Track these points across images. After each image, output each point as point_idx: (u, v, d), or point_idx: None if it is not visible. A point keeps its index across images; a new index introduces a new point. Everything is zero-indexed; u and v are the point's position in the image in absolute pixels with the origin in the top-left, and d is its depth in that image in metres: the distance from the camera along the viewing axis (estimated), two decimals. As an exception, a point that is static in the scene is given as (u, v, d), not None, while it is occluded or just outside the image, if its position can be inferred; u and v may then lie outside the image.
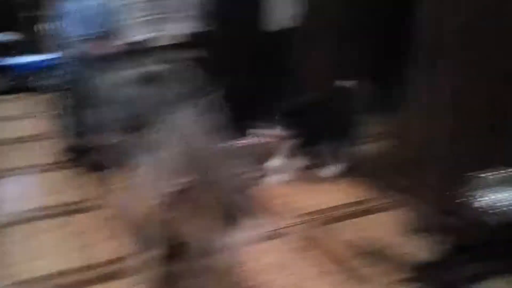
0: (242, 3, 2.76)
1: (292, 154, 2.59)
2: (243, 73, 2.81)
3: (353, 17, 3.08)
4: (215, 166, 1.58)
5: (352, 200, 2.48)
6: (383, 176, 2.56)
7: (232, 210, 1.53)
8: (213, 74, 2.91)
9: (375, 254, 1.98)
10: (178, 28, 3.14)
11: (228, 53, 2.79)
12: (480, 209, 1.75)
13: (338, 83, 2.68)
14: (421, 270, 1.84)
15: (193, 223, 1.55)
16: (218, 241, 1.56)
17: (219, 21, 2.82)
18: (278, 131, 2.53)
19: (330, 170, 2.67)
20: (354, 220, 2.30)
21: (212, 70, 2.94)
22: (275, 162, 2.53)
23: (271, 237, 2.14)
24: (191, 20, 3.10)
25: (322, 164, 2.71)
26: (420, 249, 2.00)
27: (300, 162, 2.66)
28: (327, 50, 3.10)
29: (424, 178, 2.26)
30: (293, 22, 2.93)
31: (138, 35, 2.95)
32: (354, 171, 2.67)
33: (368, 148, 2.80)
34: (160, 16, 3.06)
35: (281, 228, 2.23)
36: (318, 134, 2.62)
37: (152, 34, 3.11)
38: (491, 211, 1.75)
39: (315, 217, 2.34)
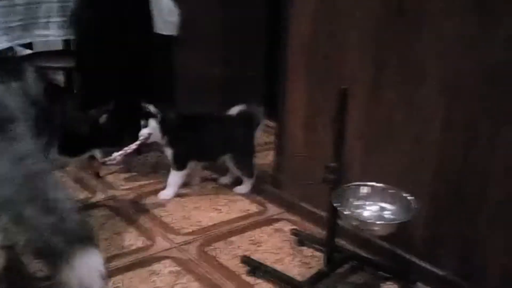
0: (118, 9, 2.58)
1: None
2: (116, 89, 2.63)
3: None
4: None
5: (245, 213, 2.47)
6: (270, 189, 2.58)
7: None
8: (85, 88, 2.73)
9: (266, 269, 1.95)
10: (46, 35, 2.90)
11: (100, 65, 2.61)
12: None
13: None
14: (311, 283, 1.84)
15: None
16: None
17: (91, 28, 2.61)
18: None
19: (245, 186, 2.63)
20: (247, 233, 2.27)
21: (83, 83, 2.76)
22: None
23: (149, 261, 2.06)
24: (61, 26, 2.88)
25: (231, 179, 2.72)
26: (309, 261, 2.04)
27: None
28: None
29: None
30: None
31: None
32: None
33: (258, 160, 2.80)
34: (23, 22, 2.78)
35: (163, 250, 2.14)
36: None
37: (15, 43, 2.83)
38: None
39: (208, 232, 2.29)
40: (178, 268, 2.02)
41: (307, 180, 2.25)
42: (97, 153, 2.21)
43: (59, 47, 3.39)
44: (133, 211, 2.45)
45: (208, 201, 2.59)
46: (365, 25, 2.02)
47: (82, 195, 2.60)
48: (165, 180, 2.62)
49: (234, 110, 2.61)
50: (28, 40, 2.94)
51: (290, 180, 2.49)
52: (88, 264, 1.41)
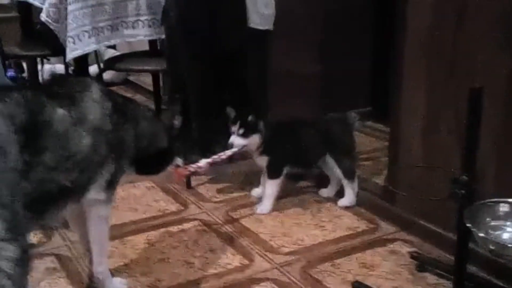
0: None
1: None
2: (210, 88, 2.65)
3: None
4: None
5: (352, 231, 2.39)
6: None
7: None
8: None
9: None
10: (135, 35, 3.00)
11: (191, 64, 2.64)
12: None
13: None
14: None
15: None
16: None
17: (181, 25, 2.66)
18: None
19: (349, 196, 2.56)
20: (357, 255, 2.20)
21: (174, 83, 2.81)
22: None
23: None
24: (151, 25, 2.96)
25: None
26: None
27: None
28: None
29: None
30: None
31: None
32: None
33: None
34: (111, 22, 2.90)
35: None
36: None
37: (103, 44, 2.96)
38: None
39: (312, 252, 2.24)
40: (278, 292, 1.98)
41: (428, 195, 2.12)
42: (179, 160, 2.13)
43: (144, 47, 3.50)
44: (227, 226, 2.45)
45: (309, 216, 2.54)
46: (502, 8, 1.87)
47: (174, 207, 2.65)
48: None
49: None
50: (116, 41, 3.05)
51: (406, 194, 2.37)
52: None
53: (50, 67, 4.29)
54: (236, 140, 2.45)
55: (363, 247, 2.27)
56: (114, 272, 2.03)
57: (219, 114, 2.54)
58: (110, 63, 3.31)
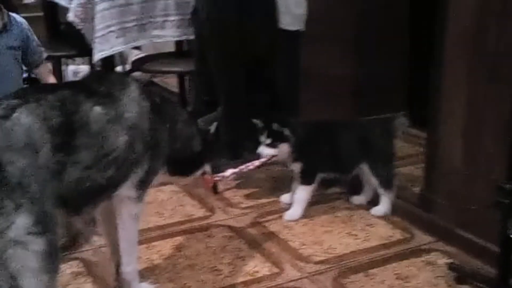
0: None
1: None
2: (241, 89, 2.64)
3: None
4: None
5: (387, 241, 2.34)
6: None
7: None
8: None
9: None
10: (163, 36, 3.00)
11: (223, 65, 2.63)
12: None
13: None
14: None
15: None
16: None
17: (211, 26, 2.65)
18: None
19: (384, 205, 2.51)
20: (391, 265, 2.15)
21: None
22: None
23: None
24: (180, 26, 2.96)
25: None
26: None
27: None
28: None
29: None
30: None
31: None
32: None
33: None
34: (139, 22, 2.90)
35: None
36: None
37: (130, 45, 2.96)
38: None
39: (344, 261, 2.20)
40: (312, 303, 1.95)
41: (469, 203, 2.07)
42: (208, 168, 2.14)
43: (169, 48, 3.50)
44: (256, 233, 2.43)
45: (341, 224, 2.50)
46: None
47: (200, 212, 2.63)
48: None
49: None
50: (144, 42, 3.05)
51: (444, 202, 2.31)
52: None
53: (75, 68, 4.32)
54: (264, 150, 2.44)
55: (397, 257, 2.22)
56: (141, 278, 2.02)
57: (248, 117, 2.52)
58: (138, 64, 3.32)
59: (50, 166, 1.45)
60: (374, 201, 2.58)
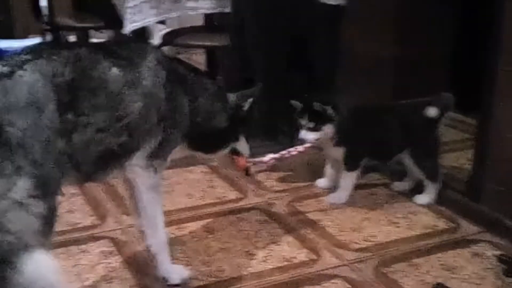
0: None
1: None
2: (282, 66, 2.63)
3: None
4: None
5: (430, 230, 2.34)
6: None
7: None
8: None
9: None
10: (196, 8, 3.00)
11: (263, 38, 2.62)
12: None
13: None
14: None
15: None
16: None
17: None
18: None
19: (428, 194, 2.51)
20: (435, 255, 2.15)
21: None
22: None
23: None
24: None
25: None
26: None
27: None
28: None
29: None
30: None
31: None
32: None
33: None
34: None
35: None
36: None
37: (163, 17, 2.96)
38: None
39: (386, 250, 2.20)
40: (352, 291, 1.96)
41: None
42: (245, 148, 2.11)
43: (196, 23, 3.49)
44: (291, 217, 2.44)
45: (381, 211, 2.50)
46: None
47: (232, 195, 2.65)
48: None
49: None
50: (177, 14, 3.03)
51: (494, 191, 2.30)
52: None
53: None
54: (308, 135, 2.39)
55: (442, 247, 2.22)
56: (174, 260, 2.04)
57: (287, 98, 2.50)
58: (169, 38, 3.32)
59: (56, 126, 1.45)
60: (416, 189, 2.56)
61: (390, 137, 2.49)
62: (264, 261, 2.12)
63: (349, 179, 2.52)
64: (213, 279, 2.00)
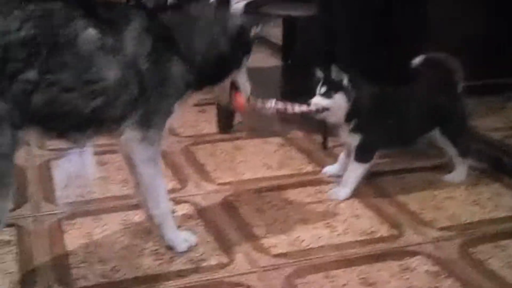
0: None
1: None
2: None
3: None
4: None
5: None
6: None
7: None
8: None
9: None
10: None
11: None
12: None
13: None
14: None
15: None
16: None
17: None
18: None
19: (459, 171, 2.51)
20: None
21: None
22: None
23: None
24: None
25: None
26: None
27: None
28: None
29: None
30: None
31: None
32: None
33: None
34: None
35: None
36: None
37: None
38: None
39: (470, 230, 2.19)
40: (436, 268, 1.95)
41: None
42: (245, 85, 2.00)
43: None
44: (370, 192, 2.44)
45: (465, 191, 2.47)
46: None
47: (310, 167, 2.68)
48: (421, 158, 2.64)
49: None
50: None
51: None
52: None
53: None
54: (315, 99, 2.27)
55: (531, 230, 2.18)
56: (251, 227, 2.10)
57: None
58: (252, 7, 3.31)
59: (15, 83, 1.47)
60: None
61: (415, 121, 2.40)
62: (343, 233, 2.15)
63: (356, 173, 2.36)
64: (294, 247, 2.04)
